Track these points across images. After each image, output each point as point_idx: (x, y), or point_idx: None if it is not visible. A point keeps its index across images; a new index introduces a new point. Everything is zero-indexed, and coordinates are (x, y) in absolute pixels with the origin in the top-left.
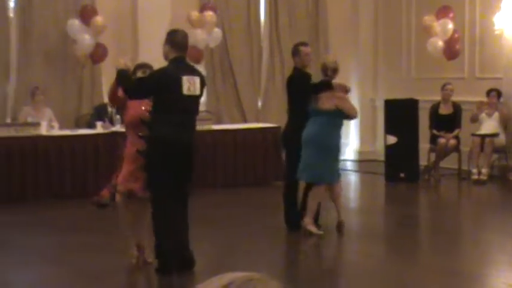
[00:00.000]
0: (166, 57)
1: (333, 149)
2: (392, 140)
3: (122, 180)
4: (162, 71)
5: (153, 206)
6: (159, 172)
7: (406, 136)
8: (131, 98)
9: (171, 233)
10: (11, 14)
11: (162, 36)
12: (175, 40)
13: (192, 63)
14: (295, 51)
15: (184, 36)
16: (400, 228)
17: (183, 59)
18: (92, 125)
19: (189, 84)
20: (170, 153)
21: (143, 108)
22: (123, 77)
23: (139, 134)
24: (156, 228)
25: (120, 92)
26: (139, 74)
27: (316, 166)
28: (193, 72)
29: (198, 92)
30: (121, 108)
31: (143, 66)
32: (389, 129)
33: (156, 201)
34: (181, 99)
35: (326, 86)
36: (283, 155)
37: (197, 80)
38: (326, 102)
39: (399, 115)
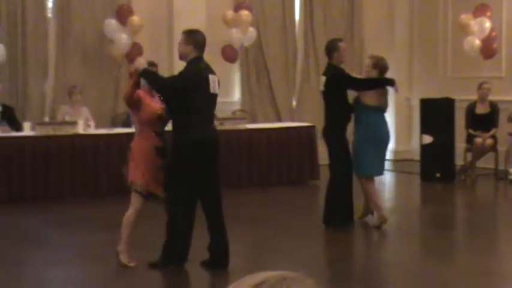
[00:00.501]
0: (185, 56)
1: None
2: (428, 139)
3: (143, 181)
4: (193, 69)
5: (174, 206)
6: (189, 174)
7: (442, 136)
8: (163, 96)
9: (184, 236)
10: (49, 14)
11: None
12: (198, 40)
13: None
14: (334, 47)
15: (204, 36)
16: (435, 228)
17: (203, 59)
18: (127, 124)
19: (213, 83)
20: (204, 153)
21: (162, 106)
22: (152, 76)
23: (154, 131)
24: (171, 228)
25: (136, 93)
26: None
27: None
28: (213, 71)
29: (218, 91)
30: (135, 108)
31: (151, 64)
32: (425, 129)
33: (178, 202)
34: (209, 98)
35: (391, 82)
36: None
37: (217, 79)
38: (383, 99)
39: (435, 114)
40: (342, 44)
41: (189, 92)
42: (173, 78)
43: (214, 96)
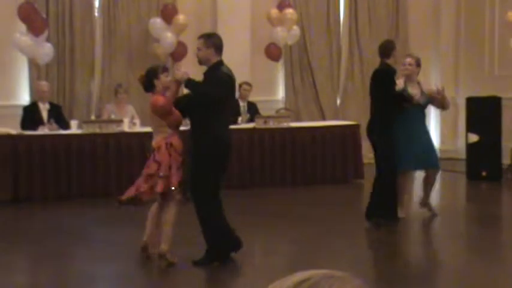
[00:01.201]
0: (206, 61)
1: None
2: (474, 138)
3: (180, 180)
4: (225, 75)
5: (208, 205)
6: (218, 172)
7: (488, 134)
8: (203, 102)
9: (225, 232)
10: (96, 14)
11: (241, 35)
12: (219, 44)
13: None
14: (393, 47)
15: (221, 38)
16: (481, 227)
17: (223, 62)
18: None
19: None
20: (227, 152)
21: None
22: (196, 85)
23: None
24: (210, 227)
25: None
26: (163, 77)
27: None
28: None
29: None
30: (168, 114)
31: (166, 69)
32: (471, 128)
33: (210, 201)
34: (233, 100)
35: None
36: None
37: None
38: None
39: (481, 113)
40: (396, 46)
41: (226, 96)
42: (213, 85)
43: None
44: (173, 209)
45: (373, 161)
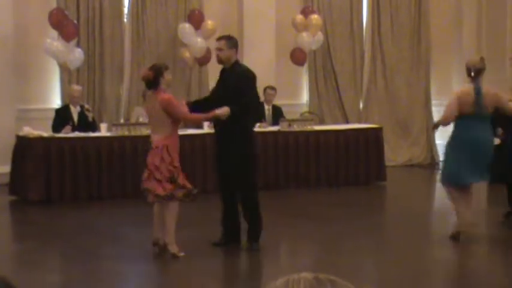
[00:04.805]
0: (228, 60)
1: None
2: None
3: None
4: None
5: (255, 195)
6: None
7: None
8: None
9: None
10: (125, 20)
11: (266, 40)
12: (237, 44)
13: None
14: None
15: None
16: (504, 230)
17: None
18: (199, 126)
19: None
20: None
21: None
22: (238, 108)
23: None
24: (257, 215)
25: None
26: (166, 75)
27: None
28: None
29: None
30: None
31: (168, 67)
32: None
33: (256, 191)
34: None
35: None
36: None
37: None
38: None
39: (502, 117)
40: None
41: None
42: (254, 95)
43: None
44: (173, 204)
45: (394, 163)
